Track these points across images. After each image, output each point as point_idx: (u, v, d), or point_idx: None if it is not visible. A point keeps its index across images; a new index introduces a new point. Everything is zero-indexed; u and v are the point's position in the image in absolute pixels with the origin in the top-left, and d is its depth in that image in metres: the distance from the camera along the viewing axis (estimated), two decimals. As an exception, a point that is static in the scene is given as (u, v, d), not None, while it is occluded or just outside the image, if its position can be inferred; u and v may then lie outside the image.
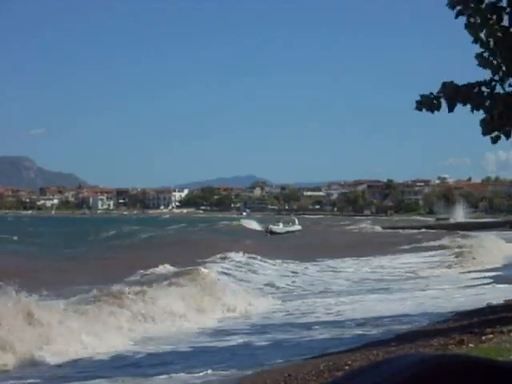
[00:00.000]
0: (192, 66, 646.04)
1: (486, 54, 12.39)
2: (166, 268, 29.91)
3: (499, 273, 33.27)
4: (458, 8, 12.40)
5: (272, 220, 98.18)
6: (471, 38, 12.55)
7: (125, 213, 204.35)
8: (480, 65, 12.44)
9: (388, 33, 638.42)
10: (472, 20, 12.38)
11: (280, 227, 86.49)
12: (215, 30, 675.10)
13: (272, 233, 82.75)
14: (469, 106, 12.66)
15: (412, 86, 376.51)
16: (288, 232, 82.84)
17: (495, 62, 12.40)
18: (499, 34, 12.20)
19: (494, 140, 12.58)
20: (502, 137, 12.65)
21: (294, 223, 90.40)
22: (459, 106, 12.71)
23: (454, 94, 12.47)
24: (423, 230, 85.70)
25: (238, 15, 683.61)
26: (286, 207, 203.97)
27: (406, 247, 54.65)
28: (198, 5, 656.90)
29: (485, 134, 12.52)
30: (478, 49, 12.55)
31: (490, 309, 18.19)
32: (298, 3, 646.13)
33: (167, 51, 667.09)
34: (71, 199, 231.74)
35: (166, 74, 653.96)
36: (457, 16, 12.47)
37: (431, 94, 12.40)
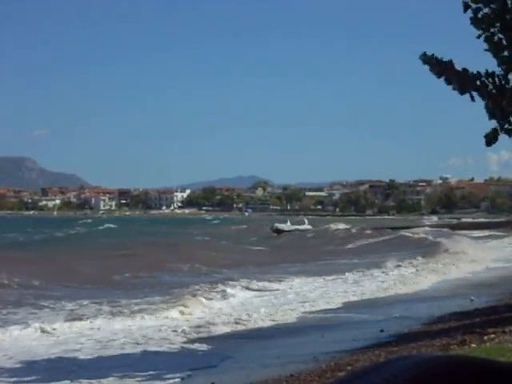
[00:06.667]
0: (194, 65, 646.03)
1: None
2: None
3: None
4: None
5: (275, 220, 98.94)
6: (472, 38, 12.63)
7: (127, 213, 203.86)
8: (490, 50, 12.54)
9: (389, 34, 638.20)
10: (479, 15, 12.43)
11: (287, 225, 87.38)
12: (216, 30, 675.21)
13: (278, 231, 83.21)
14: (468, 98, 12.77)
15: (414, 86, 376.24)
16: (298, 230, 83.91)
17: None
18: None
19: (488, 142, 12.60)
20: (503, 136, 12.67)
21: (303, 223, 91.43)
22: (463, 105, 12.78)
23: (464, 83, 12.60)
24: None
25: (238, 15, 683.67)
26: (288, 207, 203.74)
27: None
28: (198, 5, 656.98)
29: (491, 117, 12.61)
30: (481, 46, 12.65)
31: (492, 309, 18.16)
32: (298, 3, 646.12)
33: (169, 51, 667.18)
34: (73, 200, 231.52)
35: (168, 74, 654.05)
36: (465, 10, 12.52)
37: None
